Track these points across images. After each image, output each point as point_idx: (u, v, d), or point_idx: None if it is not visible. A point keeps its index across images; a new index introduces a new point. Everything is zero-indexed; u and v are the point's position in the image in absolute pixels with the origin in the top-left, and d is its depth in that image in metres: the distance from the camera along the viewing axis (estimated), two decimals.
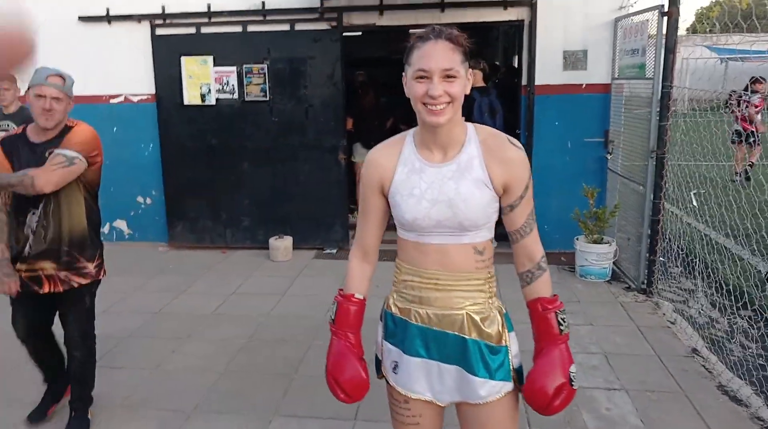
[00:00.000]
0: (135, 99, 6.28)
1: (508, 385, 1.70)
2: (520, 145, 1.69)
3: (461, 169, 1.64)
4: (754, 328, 3.95)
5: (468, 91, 1.62)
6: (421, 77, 1.57)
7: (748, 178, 9.00)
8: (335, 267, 5.69)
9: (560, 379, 1.63)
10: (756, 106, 8.97)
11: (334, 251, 6.14)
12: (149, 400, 3.39)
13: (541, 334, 1.69)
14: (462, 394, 1.71)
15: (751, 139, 9.13)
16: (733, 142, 9.40)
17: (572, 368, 1.66)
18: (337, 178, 6.09)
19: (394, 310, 1.77)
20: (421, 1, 5.72)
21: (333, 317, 1.82)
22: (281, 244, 5.93)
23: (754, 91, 9.34)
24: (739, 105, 8.37)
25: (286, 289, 5.13)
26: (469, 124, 1.70)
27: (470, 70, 1.63)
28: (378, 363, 1.87)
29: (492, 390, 1.68)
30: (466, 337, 1.68)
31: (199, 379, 3.60)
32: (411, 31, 6.46)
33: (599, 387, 3.41)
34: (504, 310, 1.75)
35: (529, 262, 1.72)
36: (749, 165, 9.48)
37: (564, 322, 1.68)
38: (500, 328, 1.70)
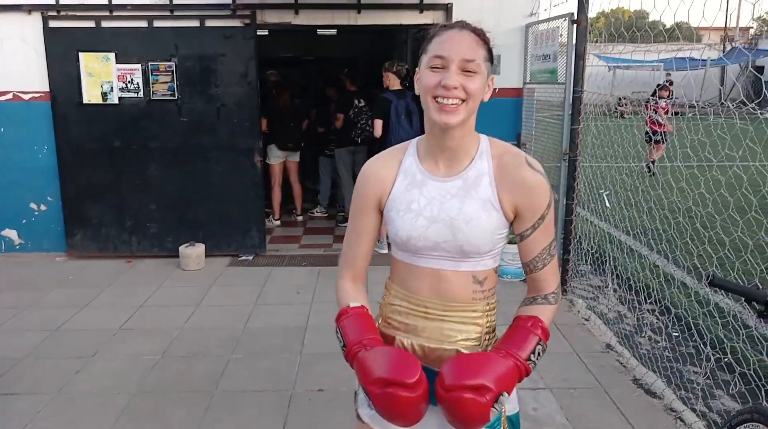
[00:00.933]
0: (26, 97, 5.76)
1: None
2: (540, 168, 1.48)
3: (467, 187, 1.45)
4: (662, 323, 4.17)
5: (487, 99, 1.43)
6: (437, 67, 1.37)
7: (650, 171, 10.11)
8: (251, 274, 5.48)
9: (488, 381, 1.26)
10: (663, 109, 9.90)
11: (251, 258, 5.92)
12: None
13: (507, 345, 1.39)
14: None
15: (658, 137, 10.20)
16: (648, 140, 10.55)
17: (504, 395, 1.29)
18: (252, 180, 5.87)
19: None
20: (337, 1, 5.63)
21: (342, 342, 1.45)
22: (192, 251, 5.64)
23: (660, 97, 10.27)
24: (647, 109, 9.33)
25: (200, 300, 4.87)
26: (483, 136, 1.51)
27: (492, 76, 1.43)
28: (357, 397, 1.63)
29: None
30: None
31: (108, 402, 3.32)
32: (319, 31, 6.34)
33: (524, 387, 3.45)
34: None
35: (537, 293, 1.54)
36: (651, 162, 10.46)
37: (537, 357, 1.40)
38: None
